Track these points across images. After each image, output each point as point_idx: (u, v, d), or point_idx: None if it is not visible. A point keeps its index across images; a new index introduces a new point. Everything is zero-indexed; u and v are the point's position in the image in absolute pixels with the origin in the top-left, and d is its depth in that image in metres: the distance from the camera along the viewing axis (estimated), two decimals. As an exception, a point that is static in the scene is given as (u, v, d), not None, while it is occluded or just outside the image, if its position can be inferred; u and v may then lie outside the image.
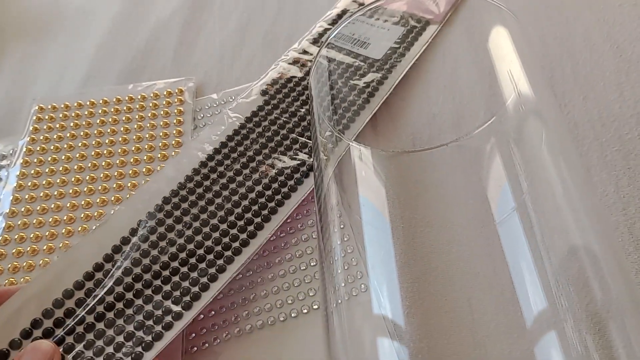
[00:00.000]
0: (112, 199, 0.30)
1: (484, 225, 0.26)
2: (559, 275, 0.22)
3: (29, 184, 0.31)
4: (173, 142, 0.33)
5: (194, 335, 0.24)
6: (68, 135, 0.34)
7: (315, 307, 0.24)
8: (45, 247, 0.28)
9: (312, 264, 0.26)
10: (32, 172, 0.32)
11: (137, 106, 0.35)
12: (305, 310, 0.24)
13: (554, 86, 0.30)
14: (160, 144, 0.33)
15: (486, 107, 0.31)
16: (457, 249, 0.26)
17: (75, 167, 0.32)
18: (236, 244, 0.25)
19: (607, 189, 0.25)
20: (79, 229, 0.29)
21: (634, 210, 0.24)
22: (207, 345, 0.24)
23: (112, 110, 0.35)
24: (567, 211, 0.23)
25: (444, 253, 0.26)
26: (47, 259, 0.28)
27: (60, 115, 0.35)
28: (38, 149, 0.34)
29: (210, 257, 0.25)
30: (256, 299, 0.25)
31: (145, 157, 0.32)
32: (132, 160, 0.32)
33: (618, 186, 0.25)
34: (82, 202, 0.30)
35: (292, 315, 0.24)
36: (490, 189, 0.27)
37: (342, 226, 0.26)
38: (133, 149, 0.33)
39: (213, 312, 0.25)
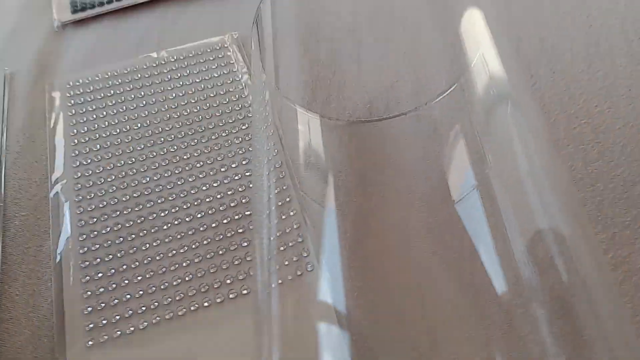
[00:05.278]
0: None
1: (442, 202, 0.23)
2: (522, 256, 0.20)
3: None
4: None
5: (104, 321, 0.21)
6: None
7: (245, 292, 0.21)
8: None
9: (243, 245, 0.23)
10: None
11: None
12: (232, 296, 0.21)
13: (520, 57, 0.28)
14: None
15: (449, 76, 0.28)
16: (413, 226, 0.24)
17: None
18: None
19: (575, 164, 0.23)
20: None
21: (602, 187, 0.22)
22: (119, 333, 0.21)
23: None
24: (532, 188, 0.21)
25: (399, 231, 0.24)
26: None
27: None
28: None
29: None
30: (179, 284, 0.22)
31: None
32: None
33: (586, 161, 0.23)
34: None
35: (217, 300, 0.21)
36: (450, 164, 0.25)
37: (287, 199, 0.23)
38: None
39: (129, 296, 0.21)
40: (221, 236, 0.23)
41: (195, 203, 0.24)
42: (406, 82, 0.29)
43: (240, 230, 0.23)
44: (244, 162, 0.26)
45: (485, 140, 0.24)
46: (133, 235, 0.23)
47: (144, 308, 0.21)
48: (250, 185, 0.25)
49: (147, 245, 0.23)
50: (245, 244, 0.23)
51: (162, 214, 0.24)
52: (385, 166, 0.26)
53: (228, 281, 0.22)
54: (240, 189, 0.25)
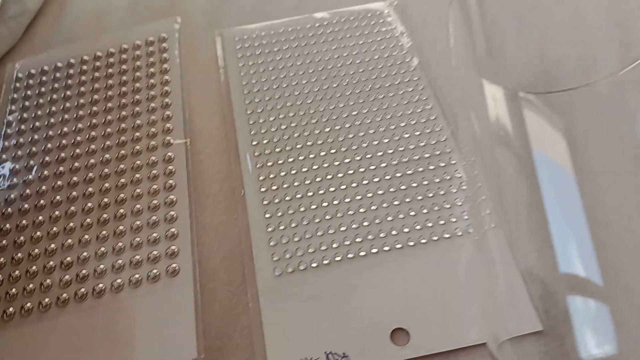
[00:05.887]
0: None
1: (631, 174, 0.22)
2: None
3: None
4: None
5: (288, 255, 0.21)
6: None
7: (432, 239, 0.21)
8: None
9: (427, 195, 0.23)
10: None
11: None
12: (410, 243, 0.21)
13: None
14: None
15: (618, 55, 0.27)
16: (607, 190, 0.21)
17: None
18: None
19: None
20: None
21: None
22: (304, 267, 0.21)
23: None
24: None
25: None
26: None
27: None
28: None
29: None
30: (357, 227, 0.22)
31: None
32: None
33: None
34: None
35: (397, 246, 0.21)
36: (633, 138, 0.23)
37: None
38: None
39: (309, 234, 0.22)
40: (393, 189, 0.23)
41: (370, 155, 0.24)
42: (571, 59, 0.27)
43: (415, 184, 0.23)
44: (413, 122, 0.25)
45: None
46: (309, 181, 0.24)
47: (324, 247, 0.22)
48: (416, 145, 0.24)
49: (323, 190, 0.23)
50: (420, 197, 0.22)
51: (336, 163, 0.24)
52: (569, 138, 0.23)
53: (406, 229, 0.22)
54: (417, 146, 0.24)
